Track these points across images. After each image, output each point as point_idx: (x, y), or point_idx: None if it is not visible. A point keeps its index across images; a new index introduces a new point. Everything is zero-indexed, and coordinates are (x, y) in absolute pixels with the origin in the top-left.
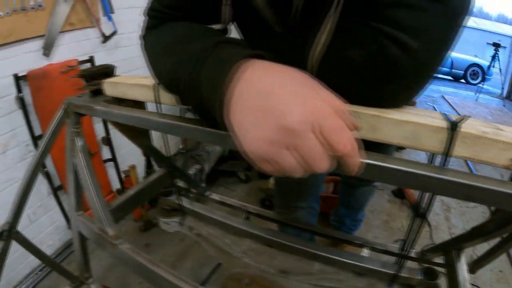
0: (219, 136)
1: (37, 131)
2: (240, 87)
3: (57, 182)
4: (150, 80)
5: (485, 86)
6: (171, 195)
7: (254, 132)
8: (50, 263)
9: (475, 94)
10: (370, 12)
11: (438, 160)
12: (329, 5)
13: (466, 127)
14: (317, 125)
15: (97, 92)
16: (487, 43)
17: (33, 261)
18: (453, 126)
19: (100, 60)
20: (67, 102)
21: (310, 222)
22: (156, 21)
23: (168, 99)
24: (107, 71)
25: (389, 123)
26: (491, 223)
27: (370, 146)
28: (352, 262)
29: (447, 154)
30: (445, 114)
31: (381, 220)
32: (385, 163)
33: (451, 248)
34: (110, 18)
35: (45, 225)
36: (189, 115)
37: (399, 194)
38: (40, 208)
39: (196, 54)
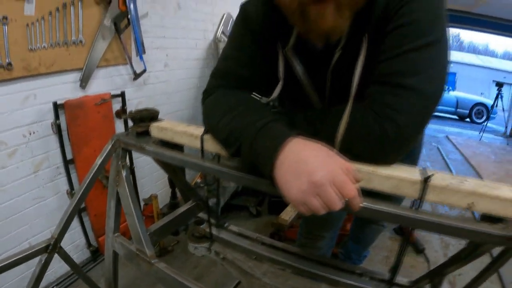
0: (256, 181)
1: (69, 156)
2: (287, 156)
3: (81, 204)
4: (194, 129)
5: (489, 125)
6: (202, 223)
7: (294, 185)
8: (86, 280)
9: (479, 133)
10: (371, 99)
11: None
12: (347, 96)
13: (435, 180)
14: (332, 181)
15: (143, 133)
16: (493, 81)
17: (50, 276)
18: (426, 180)
19: (129, 95)
20: (116, 138)
21: (327, 253)
22: (222, 82)
23: (212, 148)
24: (154, 115)
25: (380, 177)
26: (463, 252)
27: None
28: (351, 282)
29: (421, 199)
30: (423, 168)
31: (382, 256)
32: (376, 205)
33: (436, 275)
34: (141, 58)
35: (65, 243)
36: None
37: (400, 231)
38: None
39: (257, 125)
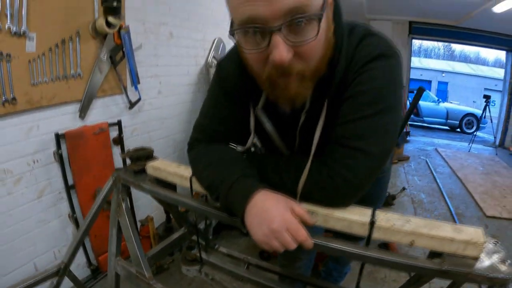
0: (233, 220)
1: (70, 181)
2: (254, 206)
3: (87, 233)
4: (184, 170)
5: (480, 134)
6: (194, 249)
7: (259, 230)
8: None
9: (469, 144)
10: (328, 157)
11: None
12: (309, 151)
13: (381, 222)
14: (287, 228)
15: (140, 171)
16: (485, 89)
17: None
18: (372, 222)
19: (125, 123)
20: (116, 175)
21: (306, 272)
22: (202, 137)
23: (199, 188)
24: (149, 154)
25: (335, 219)
26: (413, 279)
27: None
28: None
29: (369, 237)
30: (374, 210)
31: (366, 271)
32: (328, 243)
33: None
34: (136, 88)
35: None
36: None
37: (384, 247)
38: (64, 248)
39: (231, 179)
